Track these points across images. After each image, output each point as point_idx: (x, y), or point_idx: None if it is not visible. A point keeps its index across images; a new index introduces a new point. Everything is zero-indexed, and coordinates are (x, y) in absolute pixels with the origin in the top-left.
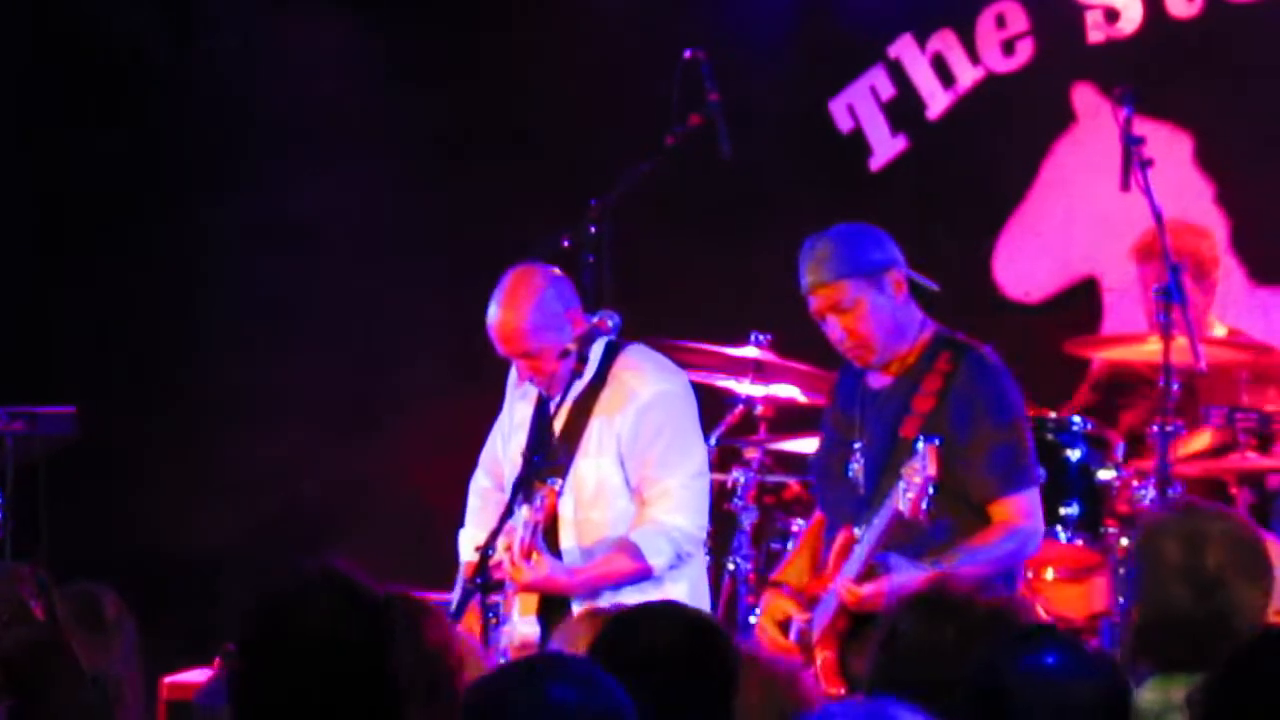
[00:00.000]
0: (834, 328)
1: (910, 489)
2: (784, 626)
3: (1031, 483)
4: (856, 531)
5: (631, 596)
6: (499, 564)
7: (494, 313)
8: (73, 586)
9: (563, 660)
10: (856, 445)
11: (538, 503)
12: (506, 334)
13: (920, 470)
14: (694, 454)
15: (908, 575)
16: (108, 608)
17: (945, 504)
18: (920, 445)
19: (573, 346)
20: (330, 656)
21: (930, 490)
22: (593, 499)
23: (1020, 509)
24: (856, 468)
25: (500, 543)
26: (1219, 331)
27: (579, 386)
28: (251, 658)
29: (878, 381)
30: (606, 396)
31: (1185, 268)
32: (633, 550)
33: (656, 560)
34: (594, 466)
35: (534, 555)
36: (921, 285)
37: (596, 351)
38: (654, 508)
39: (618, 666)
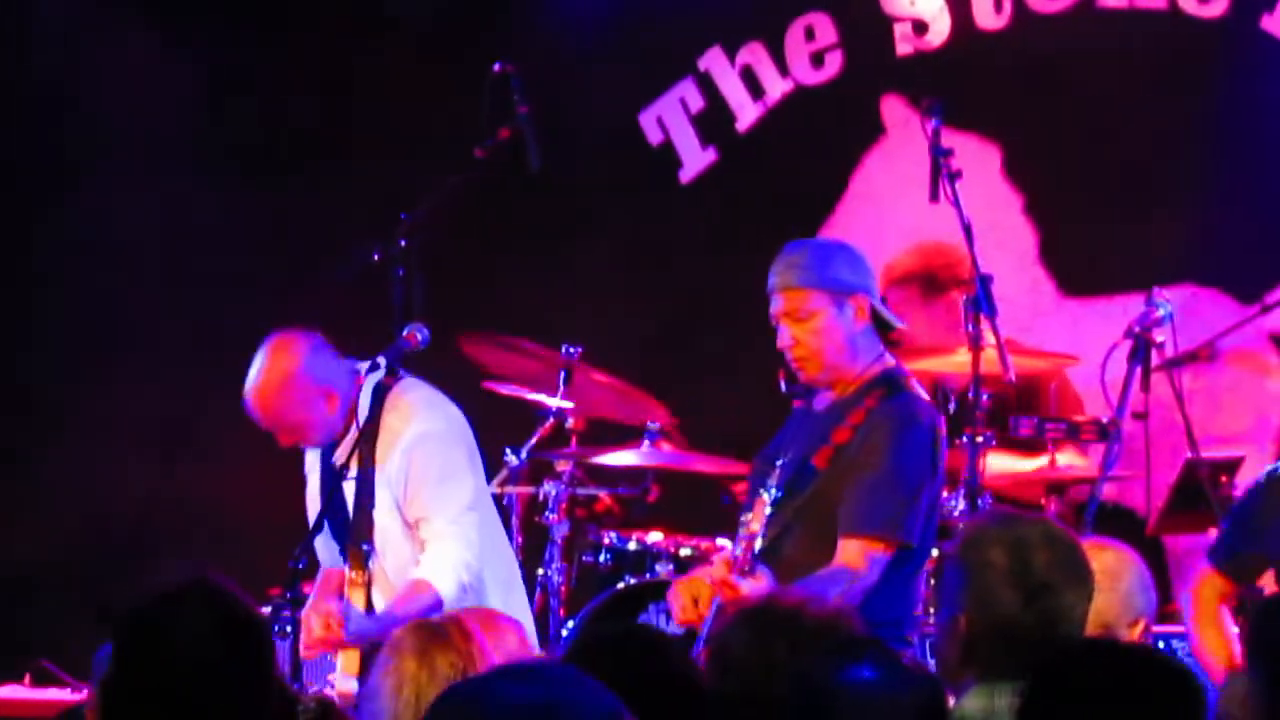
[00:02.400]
0: (785, 334)
1: (741, 540)
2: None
3: (887, 534)
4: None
5: None
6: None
7: (248, 387)
8: None
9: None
10: (779, 463)
11: (332, 617)
12: (261, 412)
13: (746, 523)
14: (461, 490)
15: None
16: None
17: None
18: (763, 494)
19: (381, 361)
20: (197, 673)
21: (756, 545)
22: (382, 548)
23: (859, 555)
24: (771, 486)
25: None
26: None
27: (352, 438)
28: (119, 670)
29: (821, 403)
30: (379, 448)
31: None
32: (422, 586)
33: (446, 590)
34: (378, 517)
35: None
36: (888, 320)
37: (365, 398)
38: (431, 544)
39: None
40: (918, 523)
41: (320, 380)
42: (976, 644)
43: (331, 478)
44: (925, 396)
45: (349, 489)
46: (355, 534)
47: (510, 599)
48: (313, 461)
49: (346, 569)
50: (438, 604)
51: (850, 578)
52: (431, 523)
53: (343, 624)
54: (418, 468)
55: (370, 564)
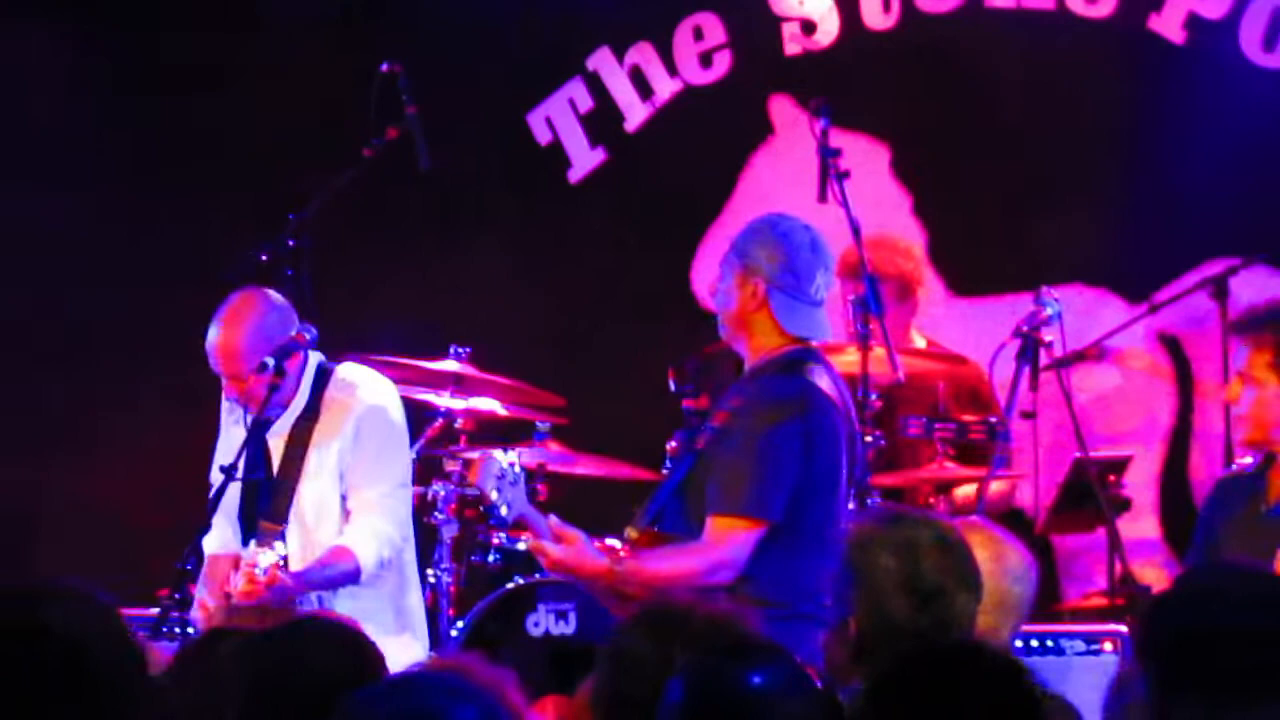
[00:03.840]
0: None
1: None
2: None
3: (747, 511)
4: (630, 531)
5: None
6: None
7: (214, 332)
8: None
9: (448, 678)
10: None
11: (265, 565)
12: (224, 353)
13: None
14: (398, 465)
15: (581, 555)
16: None
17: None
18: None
19: (269, 361)
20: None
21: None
22: (315, 522)
23: (721, 532)
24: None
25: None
26: (918, 344)
27: (291, 417)
28: None
29: None
30: (323, 424)
31: (889, 284)
32: (344, 553)
33: (366, 559)
34: (314, 490)
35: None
36: (778, 321)
37: (308, 378)
38: (358, 515)
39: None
40: (779, 499)
41: (284, 321)
42: (866, 647)
43: (261, 446)
44: (817, 382)
45: (275, 464)
46: (274, 512)
47: (415, 591)
48: (229, 443)
49: (254, 545)
50: (356, 572)
51: (706, 553)
52: (362, 493)
53: (270, 578)
54: (365, 437)
55: (279, 543)
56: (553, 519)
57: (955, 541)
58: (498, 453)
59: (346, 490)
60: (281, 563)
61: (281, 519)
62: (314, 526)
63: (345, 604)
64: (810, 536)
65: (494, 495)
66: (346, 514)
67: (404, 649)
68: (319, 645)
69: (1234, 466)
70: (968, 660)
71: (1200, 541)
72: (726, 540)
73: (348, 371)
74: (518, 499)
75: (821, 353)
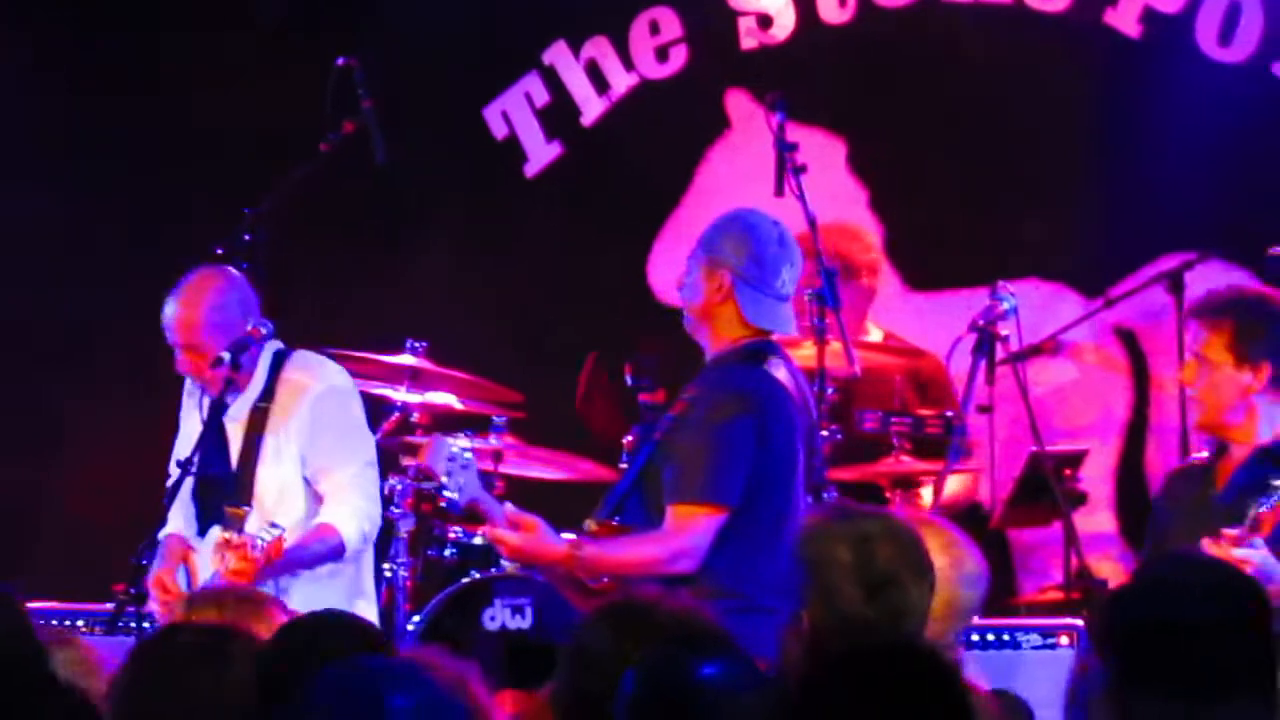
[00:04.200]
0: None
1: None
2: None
3: (706, 498)
4: (589, 523)
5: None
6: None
7: (171, 305)
8: None
9: (395, 666)
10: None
11: (257, 544)
12: (179, 323)
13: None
14: (364, 446)
15: (541, 542)
16: None
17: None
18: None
19: (225, 355)
20: None
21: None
22: (275, 505)
23: (682, 520)
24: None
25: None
26: (874, 336)
27: (248, 402)
28: None
29: None
30: (278, 406)
31: (834, 264)
32: (328, 530)
33: (350, 535)
34: (274, 474)
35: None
36: (748, 316)
37: (264, 363)
38: (333, 496)
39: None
40: (736, 486)
41: (242, 311)
42: (819, 640)
43: (218, 430)
44: (775, 374)
45: (234, 449)
46: (237, 494)
47: (370, 579)
48: (187, 432)
49: (219, 529)
50: (341, 548)
51: (668, 541)
52: (333, 475)
53: (270, 553)
54: (325, 419)
55: (246, 525)
56: (508, 506)
57: (908, 533)
58: (448, 437)
59: (314, 474)
60: (284, 540)
61: (245, 503)
62: (274, 510)
63: (303, 590)
64: (768, 529)
65: (444, 478)
66: (317, 498)
67: None
68: (336, 641)
69: (1191, 459)
70: (898, 660)
71: (1154, 531)
72: (687, 528)
73: (303, 356)
74: (470, 483)
75: (780, 345)
